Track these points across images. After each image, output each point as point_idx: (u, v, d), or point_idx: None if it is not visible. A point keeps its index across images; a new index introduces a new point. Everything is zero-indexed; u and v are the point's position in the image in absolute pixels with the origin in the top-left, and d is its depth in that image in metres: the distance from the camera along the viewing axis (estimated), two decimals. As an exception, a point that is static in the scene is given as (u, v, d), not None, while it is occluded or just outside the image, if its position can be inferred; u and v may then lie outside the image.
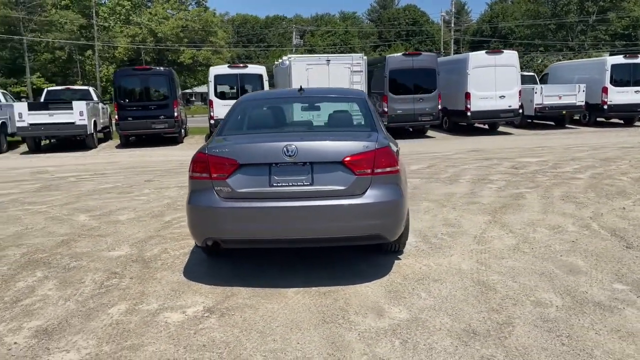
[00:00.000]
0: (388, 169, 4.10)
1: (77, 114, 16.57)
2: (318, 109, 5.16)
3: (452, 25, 54.81)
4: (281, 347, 3.22)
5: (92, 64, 44.73)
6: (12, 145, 17.99)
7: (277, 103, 5.24)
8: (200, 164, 4.11)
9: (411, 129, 18.41)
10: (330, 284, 4.21)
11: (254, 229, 4.01)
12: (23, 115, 16.33)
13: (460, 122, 18.52)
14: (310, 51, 65.05)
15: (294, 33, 61.07)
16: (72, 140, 17.62)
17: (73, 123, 16.55)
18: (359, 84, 16.59)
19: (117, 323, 3.60)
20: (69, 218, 6.80)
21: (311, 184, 3.99)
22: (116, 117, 17.20)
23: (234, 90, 17.46)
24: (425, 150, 14.10)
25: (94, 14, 44.70)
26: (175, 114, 17.25)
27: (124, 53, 46.59)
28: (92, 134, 17.46)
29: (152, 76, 17.55)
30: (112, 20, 47.61)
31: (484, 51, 19.07)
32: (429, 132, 19.01)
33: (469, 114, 17.66)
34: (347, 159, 3.99)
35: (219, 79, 17.36)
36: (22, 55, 43.21)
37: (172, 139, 18.00)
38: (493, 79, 17.76)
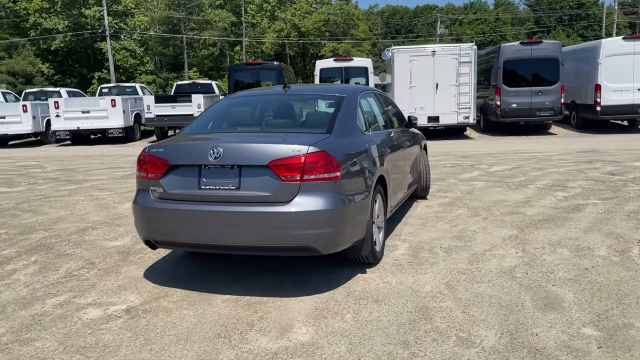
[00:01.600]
0: (322, 176, 3.76)
1: (196, 106, 17.85)
2: (292, 108, 4.91)
3: (615, 7, 48.72)
4: (150, 358, 3.14)
5: (240, 59, 47.67)
6: (145, 134, 19.93)
7: (253, 103, 5.07)
8: (141, 163, 4.15)
9: (523, 124, 16.81)
10: (268, 294, 4.01)
11: (182, 232, 3.95)
12: (151, 107, 18.03)
13: (589, 117, 16.47)
14: (458, 40, 62.58)
15: (439, 22, 59.15)
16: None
17: (192, 114, 17.85)
18: (467, 75, 15.57)
19: (40, 314, 3.79)
20: (114, 206, 7.35)
21: (238, 189, 3.82)
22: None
23: (341, 83, 17.43)
24: (529, 149, 12.83)
25: (243, 12, 47.59)
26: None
27: (270, 48, 48.99)
28: (209, 125, 18.67)
29: (263, 70, 18.23)
30: (259, 17, 50.24)
31: (620, 37, 16.72)
32: (553, 129, 17.25)
33: (598, 108, 15.67)
34: (273, 163, 3.74)
35: (324, 73, 17.44)
36: (182, 52, 47.59)
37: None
38: (631, 69, 15.54)
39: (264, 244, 3.80)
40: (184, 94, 19.21)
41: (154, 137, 18.78)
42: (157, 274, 4.55)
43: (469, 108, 15.75)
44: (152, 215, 4.04)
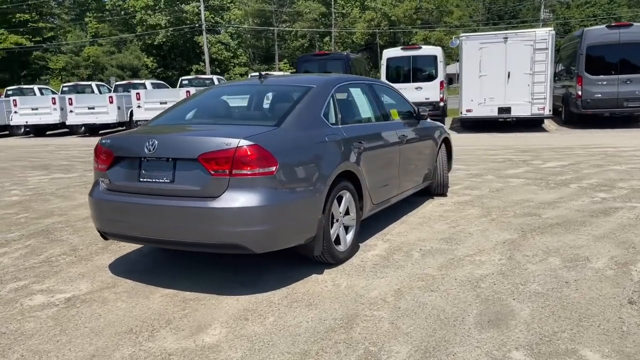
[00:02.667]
0: (254, 170, 3.58)
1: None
2: (256, 100, 4.72)
3: None
4: (45, 349, 3.15)
5: (329, 49, 47.83)
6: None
7: (221, 94, 4.93)
8: (95, 154, 4.19)
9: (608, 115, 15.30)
10: (210, 290, 3.90)
11: (124, 224, 3.95)
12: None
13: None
14: (564, 25, 58.52)
15: (542, 5, 55.49)
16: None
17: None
18: (543, 63, 14.39)
19: (-9, 298, 3.98)
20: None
21: (172, 182, 3.74)
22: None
23: (407, 73, 16.87)
24: (603, 143, 11.67)
25: (332, 2, 47.67)
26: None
27: (360, 37, 48.72)
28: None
29: (330, 61, 18.08)
30: (349, 7, 50.06)
31: None
32: (645, 121, 15.57)
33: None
34: (203, 156, 3.62)
35: (392, 62, 16.95)
36: (274, 44, 48.71)
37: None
38: None
39: (194, 240, 3.70)
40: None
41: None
42: (122, 264, 4.61)
43: (545, 99, 14.57)
44: (100, 207, 4.08)
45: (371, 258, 4.49)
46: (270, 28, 47.88)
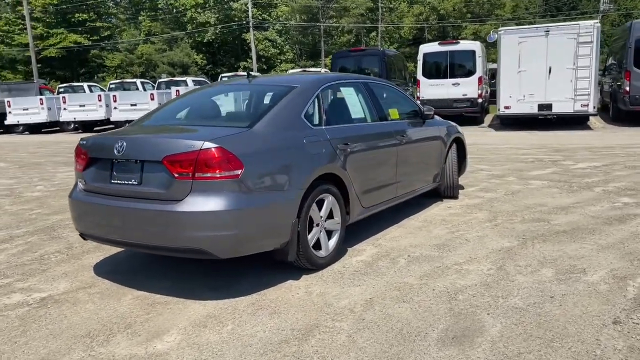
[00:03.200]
0: (218, 174, 3.48)
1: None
2: (237, 100, 4.61)
3: None
4: (6, 350, 3.17)
5: (375, 45, 47.28)
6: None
7: (208, 94, 4.82)
8: (75, 154, 4.21)
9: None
10: (182, 294, 3.84)
11: (97, 226, 3.94)
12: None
13: None
14: (625, 17, 55.65)
15: (602, -4, 52.86)
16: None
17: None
18: (588, 57, 13.67)
19: (-28, 295, 4.06)
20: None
21: (139, 184, 3.70)
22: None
23: (444, 69, 16.40)
24: (646, 142, 10.94)
25: (379, -3, 47.09)
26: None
27: (408, 32, 47.93)
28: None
29: (365, 57, 17.83)
30: (396, 1, 49.30)
31: None
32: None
33: None
34: (167, 158, 3.55)
35: (428, 57, 16.52)
36: (320, 40, 48.60)
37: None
38: None
39: (160, 244, 3.64)
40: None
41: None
42: (107, 264, 4.63)
43: (589, 95, 13.84)
44: (76, 208, 4.10)
45: (354, 264, 4.32)
46: (317, 24, 47.77)
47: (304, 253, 4.00)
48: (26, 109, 21.78)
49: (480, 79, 15.92)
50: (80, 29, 52.21)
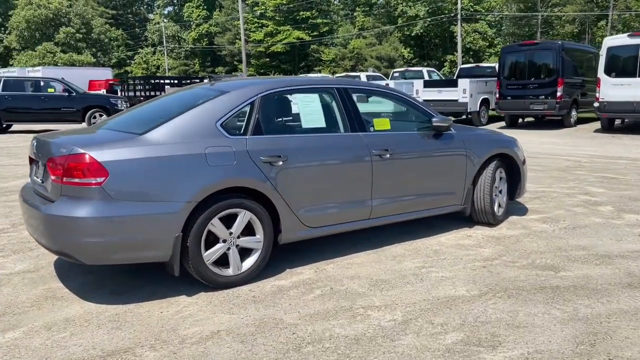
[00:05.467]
0: (83, 180, 3.46)
1: (461, 92, 16.97)
2: (173, 106, 4.37)
3: None
4: None
5: (603, 35, 41.39)
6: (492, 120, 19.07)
7: (165, 97, 4.71)
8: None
9: None
10: (88, 295, 3.93)
11: (26, 224, 4.20)
12: (419, 91, 18.04)
13: None
14: None
15: None
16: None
17: (456, 100, 17.08)
18: None
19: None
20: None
21: (42, 184, 3.89)
22: (496, 95, 16.67)
23: (634, 66, 13.64)
24: None
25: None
26: (559, 94, 15.19)
27: (648, 20, 40.98)
28: (477, 112, 17.46)
29: (538, 51, 15.83)
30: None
31: None
32: None
33: None
34: (48, 161, 3.67)
35: (614, 51, 13.92)
36: (536, 31, 44.55)
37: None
38: None
39: (46, 245, 3.74)
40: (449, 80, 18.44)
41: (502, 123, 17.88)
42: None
43: None
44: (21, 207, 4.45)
45: (266, 288, 3.93)
46: (535, 13, 43.82)
47: (196, 270, 3.77)
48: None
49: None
50: (303, 25, 56.54)
